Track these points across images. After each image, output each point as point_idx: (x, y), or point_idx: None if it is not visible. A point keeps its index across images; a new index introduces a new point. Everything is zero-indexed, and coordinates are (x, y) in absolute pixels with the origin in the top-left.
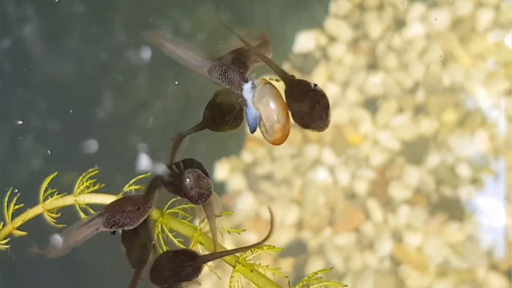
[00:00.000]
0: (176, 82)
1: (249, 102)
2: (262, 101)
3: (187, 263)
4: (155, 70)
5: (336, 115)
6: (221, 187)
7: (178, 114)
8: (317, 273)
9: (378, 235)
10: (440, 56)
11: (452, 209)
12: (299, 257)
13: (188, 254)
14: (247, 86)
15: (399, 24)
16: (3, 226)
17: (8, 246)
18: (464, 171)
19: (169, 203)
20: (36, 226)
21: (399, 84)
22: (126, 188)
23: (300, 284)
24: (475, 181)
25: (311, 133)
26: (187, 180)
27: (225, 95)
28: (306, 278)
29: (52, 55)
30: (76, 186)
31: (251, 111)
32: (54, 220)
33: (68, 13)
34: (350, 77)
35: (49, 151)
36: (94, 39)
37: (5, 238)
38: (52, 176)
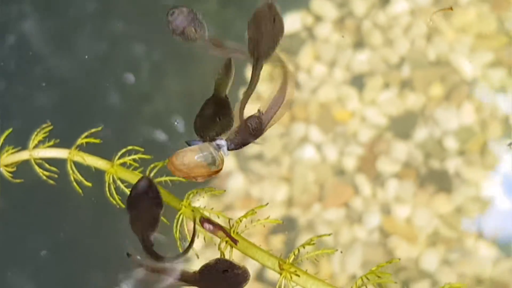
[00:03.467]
0: None
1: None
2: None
3: None
4: (158, 64)
5: (323, 94)
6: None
7: (180, 109)
8: (312, 240)
9: (367, 209)
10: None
11: (440, 181)
12: (290, 233)
13: None
14: (219, 141)
15: (384, 1)
16: None
17: None
18: (451, 143)
19: (119, 154)
20: None
21: (385, 60)
22: (79, 141)
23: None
24: (463, 153)
25: (298, 112)
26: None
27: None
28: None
29: (55, 51)
30: (31, 141)
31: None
32: (11, 175)
33: (70, 8)
34: (337, 55)
35: None
36: (96, 33)
37: None
38: (7, 132)
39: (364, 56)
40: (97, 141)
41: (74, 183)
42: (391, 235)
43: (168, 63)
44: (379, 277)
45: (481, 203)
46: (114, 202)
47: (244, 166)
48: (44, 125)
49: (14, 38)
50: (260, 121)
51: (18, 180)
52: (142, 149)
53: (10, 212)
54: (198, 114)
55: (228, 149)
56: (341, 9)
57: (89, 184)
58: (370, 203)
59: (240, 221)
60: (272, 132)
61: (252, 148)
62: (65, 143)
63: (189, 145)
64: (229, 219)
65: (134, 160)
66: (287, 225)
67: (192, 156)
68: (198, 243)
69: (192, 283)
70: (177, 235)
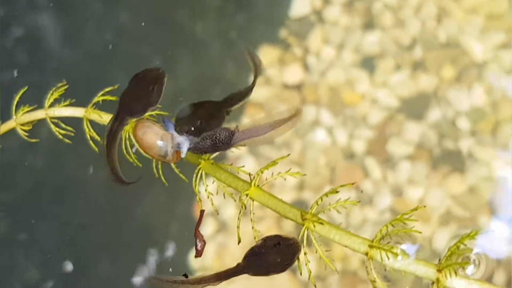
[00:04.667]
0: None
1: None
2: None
3: None
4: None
5: (333, 77)
6: (222, 153)
7: (191, 92)
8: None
9: (378, 191)
10: None
11: (454, 162)
12: None
13: None
14: (182, 142)
15: None
16: None
17: None
18: (464, 124)
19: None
20: None
21: (396, 42)
22: (95, 99)
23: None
24: (475, 133)
25: (308, 95)
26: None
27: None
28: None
29: (65, 41)
30: (47, 100)
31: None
32: (26, 134)
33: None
34: (346, 38)
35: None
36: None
37: None
38: (23, 90)
39: (375, 38)
40: (113, 98)
41: (90, 142)
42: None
43: (179, 50)
44: (404, 223)
45: (494, 183)
46: (131, 159)
47: (254, 150)
48: (59, 84)
49: (24, 30)
50: (230, 136)
51: (33, 140)
52: (160, 105)
53: (21, 197)
54: (193, 104)
55: (188, 150)
56: None
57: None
58: (381, 185)
59: (262, 172)
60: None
61: None
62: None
63: (164, 122)
64: (249, 174)
65: (151, 116)
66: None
67: (151, 137)
68: (209, 228)
69: (241, 273)
70: (197, 189)
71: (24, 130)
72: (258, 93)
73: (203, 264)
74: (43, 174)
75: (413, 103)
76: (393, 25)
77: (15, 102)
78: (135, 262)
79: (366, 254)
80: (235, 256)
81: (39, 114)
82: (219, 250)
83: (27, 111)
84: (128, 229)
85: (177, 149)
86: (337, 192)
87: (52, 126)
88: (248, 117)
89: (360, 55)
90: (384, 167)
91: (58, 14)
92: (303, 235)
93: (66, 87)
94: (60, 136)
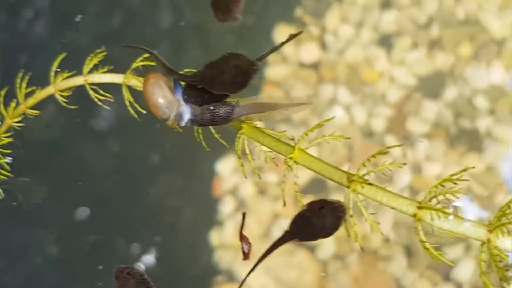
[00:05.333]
0: None
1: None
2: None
3: None
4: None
5: (351, 55)
6: None
7: None
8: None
9: (397, 169)
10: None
11: (471, 141)
12: (320, 194)
13: None
14: (187, 111)
15: None
16: (17, 105)
17: (22, 125)
18: (481, 102)
19: None
20: None
21: (413, 20)
22: (134, 65)
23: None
24: (493, 112)
25: (326, 73)
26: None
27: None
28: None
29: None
30: (85, 66)
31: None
32: (65, 100)
33: None
34: (364, 16)
35: None
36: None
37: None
38: (62, 56)
39: (392, 16)
40: (152, 63)
41: (130, 109)
42: (421, 192)
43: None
44: (455, 183)
45: None
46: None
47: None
48: (98, 50)
49: (33, 12)
50: (230, 112)
51: (72, 106)
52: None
53: (37, 174)
54: (212, 73)
55: (186, 124)
56: None
57: (143, 110)
58: (401, 163)
59: (306, 135)
60: (300, 93)
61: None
62: None
63: (174, 84)
64: (292, 138)
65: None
66: (316, 187)
67: (159, 99)
68: (228, 206)
69: (289, 240)
70: (239, 153)
71: (63, 96)
72: (275, 71)
73: (222, 242)
74: (56, 149)
75: (430, 81)
76: (410, 4)
77: (53, 68)
78: (150, 240)
79: (414, 215)
80: (253, 233)
81: (78, 80)
82: (238, 228)
83: (66, 78)
84: (144, 208)
85: (178, 118)
86: (385, 153)
87: (91, 92)
88: (265, 95)
89: (378, 33)
90: (403, 144)
91: None
92: (348, 198)
93: (104, 53)
94: (99, 102)
